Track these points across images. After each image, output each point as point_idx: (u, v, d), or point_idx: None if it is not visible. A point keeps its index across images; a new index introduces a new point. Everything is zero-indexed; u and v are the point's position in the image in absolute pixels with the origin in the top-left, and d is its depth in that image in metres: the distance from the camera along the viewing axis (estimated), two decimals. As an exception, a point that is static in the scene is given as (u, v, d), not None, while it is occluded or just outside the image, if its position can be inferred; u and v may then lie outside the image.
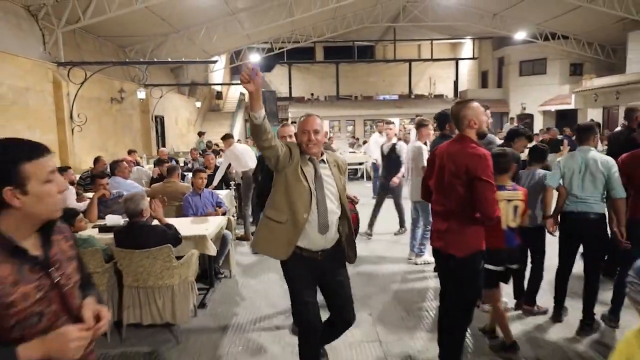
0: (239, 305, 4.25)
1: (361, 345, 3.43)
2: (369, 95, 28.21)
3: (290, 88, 27.28)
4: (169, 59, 13.75)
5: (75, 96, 9.89)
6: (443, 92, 28.48)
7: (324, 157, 2.63)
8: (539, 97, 22.31)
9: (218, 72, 23.83)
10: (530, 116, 23.02)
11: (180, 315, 3.53)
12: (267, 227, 2.60)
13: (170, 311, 3.50)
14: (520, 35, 19.83)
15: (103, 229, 4.06)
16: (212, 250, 4.04)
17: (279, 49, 22.24)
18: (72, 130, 10.02)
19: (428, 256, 5.10)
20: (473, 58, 27.19)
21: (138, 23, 12.68)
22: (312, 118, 2.60)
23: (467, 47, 27.89)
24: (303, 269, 2.59)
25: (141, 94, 13.24)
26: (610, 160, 3.40)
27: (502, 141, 4.37)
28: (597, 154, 3.47)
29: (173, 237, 3.52)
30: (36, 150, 1.24)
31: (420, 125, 5.32)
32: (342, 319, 2.71)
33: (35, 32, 9.73)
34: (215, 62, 17.06)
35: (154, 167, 7.90)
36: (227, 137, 6.97)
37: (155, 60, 13.71)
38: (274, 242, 2.58)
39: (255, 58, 21.30)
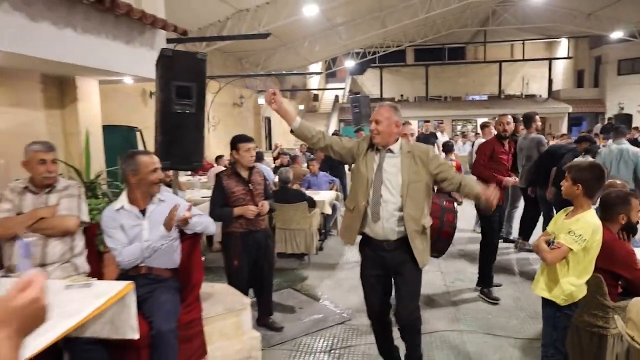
0: (343, 253, 6.17)
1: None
2: (458, 95, 28.82)
3: (381, 90, 28.85)
4: (283, 71, 16.20)
5: (212, 103, 12.59)
6: (537, 92, 28.23)
7: (392, 147, 2.64)
8: (639, 97, 21.69)
9: (315, 77, 26.24)
10: (629, 116, 22.40)
11: (310, 248, 5.53)
12: (344, 215, 2.85)
13: (304, 245, 5.51)
14: (616, 34, 19.62)
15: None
16: (328, 209, 6.01)
17: (372, 54, 23.99)
18: (209, 129, 12.75)
19: None
20: (567, 57, 26.74)
21: (255, 40, 15.26)
22: (377, 109, 2.68)
23: (562, 46, 27.46)
24: (370, 256, 2.75)
25: (261, 100, 15.84)
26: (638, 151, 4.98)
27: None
28: (629, 146, 5.00)
29: (309, 199, 5.50)
30: None
31: (484, 126, 6.84)
32: (399, 314, 2.73)
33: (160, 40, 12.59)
34: (319, 74, 19.35)
35: (275, 159, 10.18)
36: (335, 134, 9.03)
37: (273, 72, 16.27)
38: (345, 228, 2.80)
39: (349, 63, 23.27)
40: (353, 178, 2.77)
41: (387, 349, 2.97)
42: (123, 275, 2.56)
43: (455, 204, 3.52)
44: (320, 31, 17.23)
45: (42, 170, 2.58)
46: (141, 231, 2.54)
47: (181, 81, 3.39)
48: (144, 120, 8.33)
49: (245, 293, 3.37)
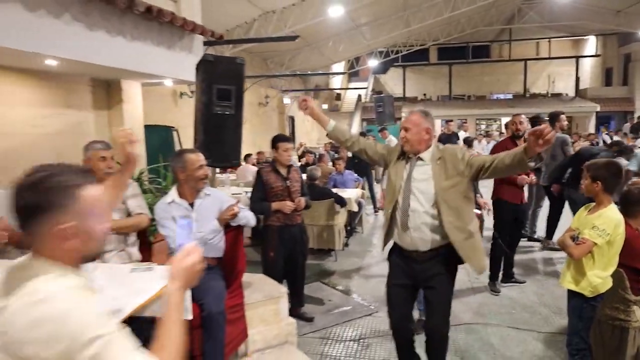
0: (368, 250, 6.34)
1: None
2: (482, 94, 28.55)
3: (404, 89, 28.80)
4: (308, 71, 16.44)
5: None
6: (563, 91, 27.75)
7: (423, 155, 2.56)
8: (670, 95, 21.16)
9: (338, 76, 26.38)
10: (660, 115, 21.86)
11: (338, 244, 5.72)
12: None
13: (332, 241, 5.70)
14: (647, 31, 19.20)
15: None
16: (354, 207, 6.19)
17: (395, 53, 24.00)
18: (235, 128, 13.07)
19: None
20: (595, 55, 26.23)
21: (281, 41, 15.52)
22: (407, 116, 2.63)
23: (589, 44, 26.94)
24: (399, 265, 2.69)
25: (286, 99, 16.13)
26: None
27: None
28: None
29: (340, 199, 5.67)
30: None
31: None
32: (428, 329, 2.69)
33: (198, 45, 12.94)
34: (343, 73, 19.52)
35: (300, 157, 10.40)
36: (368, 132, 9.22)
37: (298, 72, 16.52)
38: (382, 232, 2.81)
39: (372, 63, 23.35)
40: (387, 185, 2.76)
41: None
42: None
43: (483, 212, 3.40)
44: (344, 31, 17.38)
45: (103, 167, 2.83)
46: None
47: (221, 84, 3.62)
48: (176, 119, 8.67)
49: (280, 283, 3.59)
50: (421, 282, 2.66)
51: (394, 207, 2.60)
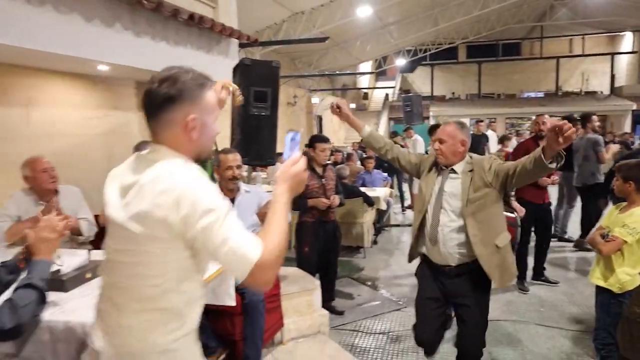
0: (397, 247, 6.45)
1: None
2: (512, 93, 28.04)
3: (432, 88, 28.58)
4: (336, 71, 16.57)
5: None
6: (597, 88, 27.00)
7: (456, 167, 2.53)
8: None
9: (365, 75, 26.42)
10: (701, 113, 21.06)
11: (367, 241, 5.85)
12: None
13: (361, 238, 5.83)
14: (687, 27, 18.51)
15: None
16: (383, 205, 6.31)
17: (423, 52, 23.86)
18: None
19: None
20: (632, 52, 25.42)
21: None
22: (442, 127, 2.60)
23: (626, 40, 26.12)
24: (429, 279, 2.63)
25: (314, 99, 16.32)
26: None
27: None
28: None
29: (366, 196, 5.80)
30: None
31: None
32: (460, 346, 2.62)
33: (242, 55, 13.23)
34: (370, 73, 19.63)
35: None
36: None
37: (326, 72, 16.70)
38: (410, 244, 2.75)
39: (400, 62, 23.30)
40: (417, 196, 2.72)
41: None
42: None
43: (517, 215, 3.14)
44: (371, 31, 17.44)
45: None
46: (231, 218, 2.97)
47: (258, 87, 3.80)
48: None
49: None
50: (452, 297, 2.59)
51: (422, 220, 2.57)
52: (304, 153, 4.27)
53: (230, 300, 2.46)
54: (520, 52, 29.41)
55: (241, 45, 6.95)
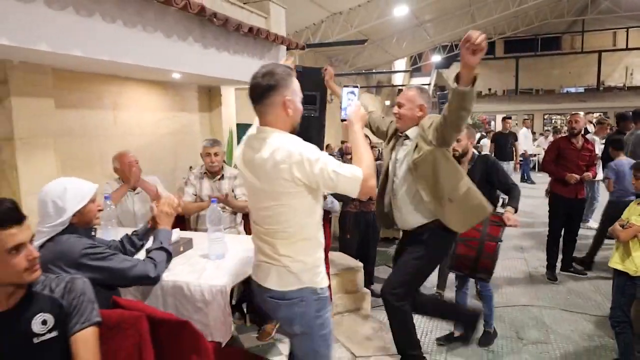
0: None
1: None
2: (551, 88, 27.44)
3: (467, 84, 28.23)
4: (372, 69, 16.92)
5: (306, 100, 13.66)
6: (642, 83, 26.12)
7: (409, 132, 2.54)
8: None
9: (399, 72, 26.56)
10: None
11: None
12: None
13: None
14: None
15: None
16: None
17: (459, 48, 23.68)
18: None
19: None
20: (679, 45, 24.44)
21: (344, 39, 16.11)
22: (403, 91, 2.63)
23: (674, 33, 25.14)
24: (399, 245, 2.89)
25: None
26: None
27: None
28: None
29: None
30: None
31: (599, 123, 7.09)
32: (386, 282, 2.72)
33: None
34: (406, 71, 19.90)
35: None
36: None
37: (364, 71, 17.14)
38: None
39: (436, 58, 23.32)
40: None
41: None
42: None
43: (501, 230, 3.10)
44: (407, 28, 17.65)
45: (208, 161, 3.55)
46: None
47: (308, 91, 4.26)
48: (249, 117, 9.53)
49: (355, 261, 4.20)
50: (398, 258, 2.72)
51: (382, 189, 2.66)
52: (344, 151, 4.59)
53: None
54: (560, 47, 28.70)
55: (289, 48, 7.47)
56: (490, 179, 3.35)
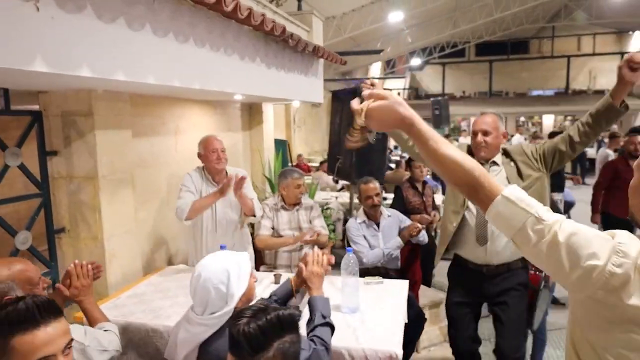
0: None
1: None
2: (522, 91, 28.25)
3: (443, 86, 28.79)
4: (352, 71, 16.79)
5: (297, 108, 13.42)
6: (605, 87, 27.29)
7: (496, 159, 2.41)
8: None
9: (375, 73, 26.64)
10: None
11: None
12: None
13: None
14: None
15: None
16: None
17: (440, 51, 23.99)
18: (294, 130, 13.59)
19: None
20: (642, 51, 25.69)
21: (332, 44, 15.94)
22: (482, 117, 2.45)
23: (635, 39, 26.47)
24: (463, 282, 2.52)
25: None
26: None
27: None
28: None
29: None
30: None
31: (612, 137, 7.12)
32: (498, 348, 2.46)
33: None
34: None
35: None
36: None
37: (347, 77, 16.94)
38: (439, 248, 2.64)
39: (415, 61, 23.54)
40: (447, 195, 2.56)
41: None
42: (362, 271, 3.29)
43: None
44: (392, 32, 17.68)
45: (297, 193, 3.28)
46: (378, 240, 3.27)
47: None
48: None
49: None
50: (490, 299, 2.47)
51: (461, 220, 2.40)
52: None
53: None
54: (528, 51, 29.60)
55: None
56: None
